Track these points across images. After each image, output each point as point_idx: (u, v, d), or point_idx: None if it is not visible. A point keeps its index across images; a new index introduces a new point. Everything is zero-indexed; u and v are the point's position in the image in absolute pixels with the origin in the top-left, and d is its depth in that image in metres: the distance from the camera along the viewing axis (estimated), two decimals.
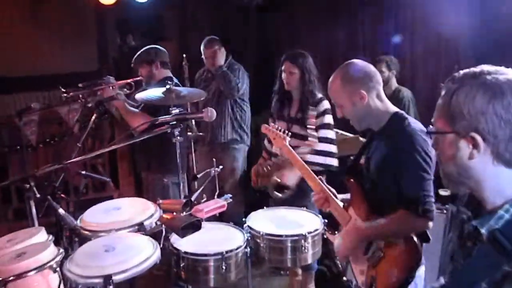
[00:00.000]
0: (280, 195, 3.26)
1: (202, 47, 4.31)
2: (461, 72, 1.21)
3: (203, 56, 4.33)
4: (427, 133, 1.27)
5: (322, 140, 3.28)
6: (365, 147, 2.28)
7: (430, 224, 2.00)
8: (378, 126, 2.14)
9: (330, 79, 2.17)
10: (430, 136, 1.25)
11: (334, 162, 3.29)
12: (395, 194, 2.03)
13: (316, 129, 3.30)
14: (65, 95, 3.24)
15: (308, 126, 3.31)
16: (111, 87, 3.26)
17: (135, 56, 3.66)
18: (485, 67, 1.18)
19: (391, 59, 4.55)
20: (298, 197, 3.20)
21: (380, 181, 2.11)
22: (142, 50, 3.66)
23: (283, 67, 3.40)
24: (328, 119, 3.30)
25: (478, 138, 1.11)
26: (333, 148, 3.30)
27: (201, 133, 3.72)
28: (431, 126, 1.24)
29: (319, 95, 3.35)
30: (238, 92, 4.17)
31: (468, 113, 1.12)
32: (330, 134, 3.30)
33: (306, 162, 3.20)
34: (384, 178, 2.08)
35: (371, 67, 2.18)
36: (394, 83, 4.53)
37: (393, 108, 2.16)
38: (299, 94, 3.39)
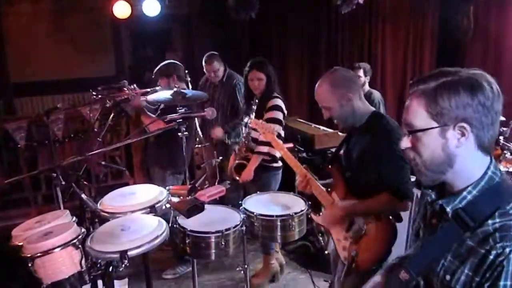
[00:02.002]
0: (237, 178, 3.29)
1: (203, 62, 4.26)
2: (426, 74, 1.17)
3: (205, 70, 4.30)
4: (409, 133, 1.17)
5: None
6: (345, 141, 2.25)
7: (409, 205, 2.00)
8: (359, 123, 2.12)
9: (317, 85, 2.10)
10: (409, 135, 1.17)
11: (276, 153, 3.26)
12: (375, 181, 2.01)
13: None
14: (94, 96, 3.19)
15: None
16: (134, 95, 3.19)
17: (156, 69, 3.58)
18: (445, 68, 1.15)
19: (366, 66, 4.54)
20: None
21: (361, 170, 2.09)
22: (162, 64, 3.59)
23: (250, 75, 3.33)
24: (275, 114, 3.23)
25: (467, 126, 1.08)
26: None
27: (208, 144, 3.71)
28: (404, 128, 1.19)
29: (273, 94, 3.31)
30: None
31: (456, 107, 1.08)
32: (275, 127, 3.22)
33: (255, 151, 3.25)
34: (365, 167, 2.06)
35: (352, 73, 2.17)
36: (367, 87, 4.52)
37: (371, 108, 2.15)
38: (260, 94, 3.36)
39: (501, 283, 1.00)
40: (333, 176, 2.22)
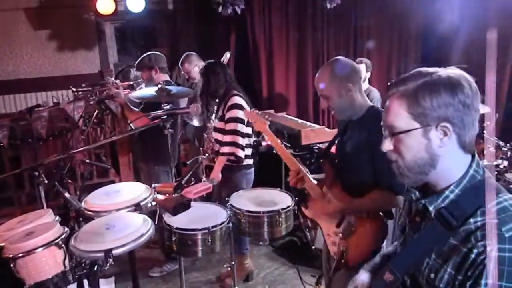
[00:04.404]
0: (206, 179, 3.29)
1: (179, 63, 4.24)
2: (404, 76, 1.16)
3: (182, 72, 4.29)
4: (392, 135, 1.15)
5: (228, 132, 3.20)
6: (339, 135, 2.20)
7: (401, 202, 1.94)
8: (356, 116, 2.08)
9: (318, 74, 2.06)
10: (391, 137, 1.16)
11: (240, 153, 3.20)
12: (369, 176, 1.98)
13: (225, 123, 3.22)
14: (74, 92, 3.15)
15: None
16: (116, 87, 3.17)
17: (138, 61, 3.55)
18: (423, 69, 1.15)
19: (367, 62, 4.42)
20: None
21: (354, 164, 2.05)
22: (143, 56, 3.55)
23: None
24: (234, 113, 3.18)
25: (449, 126, 1.08)
26: (238, 139, 3.19)
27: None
28: (385, 130, 1.17)
29: (233, 92, 3.26)
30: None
31: (438, 107, 1.08)
32: (234, 126, 3.18)
33: (219, 153, 3.23)
34: (359, 162, 2.02)
35: (355, 64, 2.10)
36: (367, 83, 4.39)
37: (369, 103, 2.10)
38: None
39: (483, 281, 1.00)
40: (326, 171, 2.19)
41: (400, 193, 1.92)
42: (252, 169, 3.37)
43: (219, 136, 3.28)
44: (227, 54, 4.16)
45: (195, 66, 4.21)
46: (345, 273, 1.91)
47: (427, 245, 1.13)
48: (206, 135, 3.52)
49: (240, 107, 3.19)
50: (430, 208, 1.14)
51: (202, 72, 3.31)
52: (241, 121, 3.18)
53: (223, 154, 3.21)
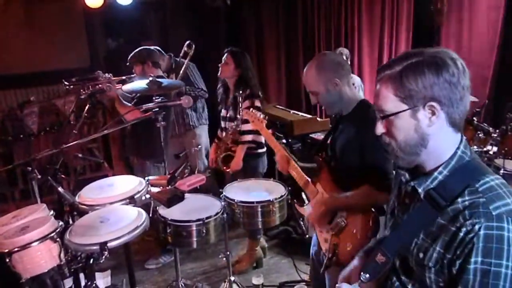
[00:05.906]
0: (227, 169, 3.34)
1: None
2: (391, 60, 1.18)
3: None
4: (381, 118, 1.18)
5: (244, 121, 3.23)
6: (332, 129, 2.21)
7: (390, 198, 1.94)
8: (346, 110, 2.08)
9: (305, 70, 2.06)
10: (382, 120, 1.19)
11: (261, 138, 3.31)
12: (358, 171, 1.97)
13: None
14: (66, 86, 3.13)
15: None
16: (107, 81, 3.15)
17: (130, 55, 3.51)
18: (410, 51, 1.17)
19: (344, 50, 4.52)
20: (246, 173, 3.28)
21: (344, 160, 2.06)
22: (136, 50, 3.52)
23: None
24: (249, 103, 3.22)
25: (436, 105, 1.10)
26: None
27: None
28: (377, 114, 1.20)
29: (253, 92, 3.30)
30: (204, 91, 4.12)
31: (423, 87, 1.10)
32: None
33: (240, 142, 3.28)
34: (348, 157, 2.02)
35: (341, 58, 2.10)
36: None
37: (360, 96, 2.10)
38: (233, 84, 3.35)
39: (472, 259, 1.02)
40: (319, 165, 2.19)
41: (387, 190, 1.84)
42: (266, 154, 3.45)
43: (229, 125, 3.34)
44: (193, 46, 3.89)
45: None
46: (337, 270, 1.91)
47: (416, 225, 1.16)
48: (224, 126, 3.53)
49: (257, 96, 3.28)
50: (419, 190, 1.17)
51: (241, 61, 3.30)
52: (258, 109, 3.22)
53: (245, 142, 3.28)
